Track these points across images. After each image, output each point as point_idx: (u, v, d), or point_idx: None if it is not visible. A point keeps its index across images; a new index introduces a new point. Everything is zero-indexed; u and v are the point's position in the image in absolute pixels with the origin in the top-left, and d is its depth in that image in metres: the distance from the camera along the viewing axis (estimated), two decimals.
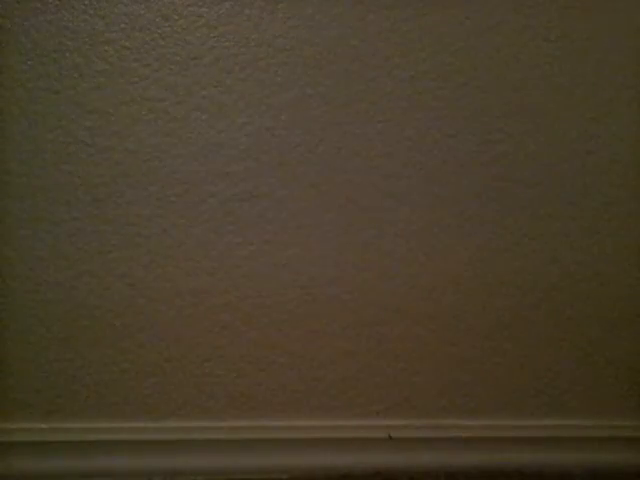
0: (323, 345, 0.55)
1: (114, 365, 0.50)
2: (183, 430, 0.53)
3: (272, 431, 0.54)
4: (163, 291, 0.52)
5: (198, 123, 0.54)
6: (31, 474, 0.50)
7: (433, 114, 0.55)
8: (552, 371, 0.58)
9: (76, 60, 0.54)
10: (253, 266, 0.53)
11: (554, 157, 0.55)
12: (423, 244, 0.55)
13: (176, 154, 0.53)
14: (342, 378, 0.55)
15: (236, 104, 0.54)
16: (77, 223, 0.51)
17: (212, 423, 0.53)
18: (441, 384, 0.57)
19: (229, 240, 0.53)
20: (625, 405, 0.58)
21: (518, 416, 0.58)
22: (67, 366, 0.49)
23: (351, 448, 0.55)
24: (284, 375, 0.54)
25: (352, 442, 0.55)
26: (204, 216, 0.53)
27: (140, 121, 0.53)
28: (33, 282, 0.50)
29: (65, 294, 0.50)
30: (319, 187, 0.54)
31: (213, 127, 0.54)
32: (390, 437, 0.55)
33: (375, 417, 0.56)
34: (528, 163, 0.54)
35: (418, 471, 0.55)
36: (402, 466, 0.55)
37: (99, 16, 0.55)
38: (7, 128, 0.52)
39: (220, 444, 0.53)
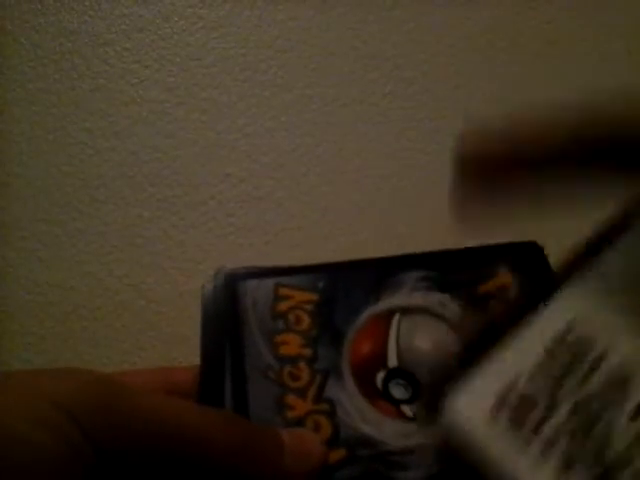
0: None
1: (114, 366, 0.50)
2: None
3: None
4: (163, 292, 0.51)
5: (198, 124, 0.54)
6: None
7: (433, 114, 0.55)
8: None
9: (76, 61, 0.54)
10: None
11: None
12: (424, 245, 0.55)
13: (176, 155, 0.53)
14: None
15: (236, 105, 0.54)
16: (77, 224, 0.51)
17: None
18: None
19: (230, 241, 0.53)
20: None
21: None
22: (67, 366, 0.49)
23: None
24: None
25: None
26: (204, 217, 0.53)
27: (140, 122, 0.53)
28: (33, 283, 0.50)
29: (65, 295, 0.50)
30: (319, 188, 0.54)
31: (213, 128, 0.54)
32: None
33: None
34: None
35: None
36: None
37: (99, 17, 0.55)
38: (7, 129, 0.52)
39: None
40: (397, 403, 0.25)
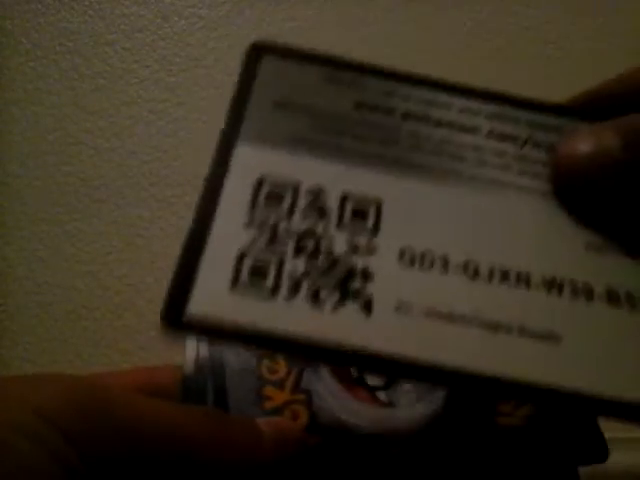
0: None
1: (114, 366, 0.50)
2: None
3: None
4: (163, 292, 0.51)
5: (198, 124, 0.54)
6: None
7: None
8: None
9: (76, 61, 0.54)
10: None
11: None
12: None
13: (176, 155, 0.53)
14: None
15: None
16: (77, 224, 0.51)
17: None
18: None
19: None
20: None
21: None
22: (67, 367, 0.49)
23: None
24: None
25: None
26: None
27: (140, 122, 0.53)
28: (33, 283, 0.50)
29: (65, 295, 0.50)
30: None
31: (213, 128, 0.54)
32: None
33: None
34: None
35: None
36: None
37: (99, 17, 0.55)
38: (7, 129, 0.52)
39: None
40: (372, 390, 0.25)
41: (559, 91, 0.60)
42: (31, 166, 0.52)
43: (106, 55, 0.54)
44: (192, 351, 0.27)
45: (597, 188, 0.18)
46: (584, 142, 0.19)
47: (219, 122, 0.60)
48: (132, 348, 0.51)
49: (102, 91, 0.54)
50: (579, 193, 0.19)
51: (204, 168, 0.59)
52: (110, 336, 0.50)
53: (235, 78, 0.60)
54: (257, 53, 0.23)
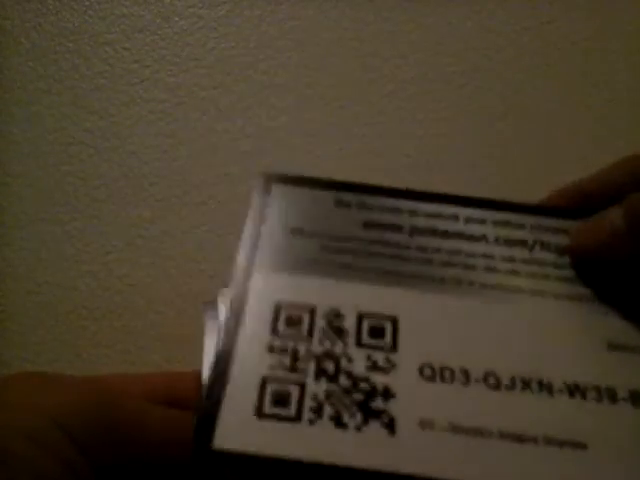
0: None
1: (114, 366, 0.50)
2: None
3: None
4: (164, 292, 0.51)
5: (198, 124, 0.54)
6: None
7: (433, 115, 0.55)
8: None
9: (76, 61, 0.54)
10: None
11: (554, 158, 0.55)
12: None
13: (176, 155, 0.53)
14: None
15: (236, 106, 0.54)
16: (77, 224, 0.51)
17: None
18: None
19: (230, 242, 0.53)
20: None
21: None
22: (67, 367, 0.49)
23: None
24: None
25: None
26: (204, 217, 0.53)
27: (140, 122, 0.53)
28: (33, 282, 0.50)
29: (65, 295, 0.50)
30: None
31: (213, 128, 0.54)
32: None
33: None
34: (528, 164, 0.54)
35: None
36: None
37: (99, 17, 0.55)
38: (7, 129, 0.52)
39: None
40: None
41: (559, 91, 0.61)
42: (31, 166, 0.52)
43: (106, 55, 0.54)
44: (211, 357, 0.26)
45: (607, 255, 0.20)
46: (595, 222, 0.21)
47: (219, 122, 0.60)
48: (132, 348, 0.51)
49: (102, 91, 0.54)
50: (593, 264, 0.20)
51: (204, 168, 0.60)
52: (110, 336, 0.50)
53: (235, 78, 0.60)
54: (267, 183, 0.25)
